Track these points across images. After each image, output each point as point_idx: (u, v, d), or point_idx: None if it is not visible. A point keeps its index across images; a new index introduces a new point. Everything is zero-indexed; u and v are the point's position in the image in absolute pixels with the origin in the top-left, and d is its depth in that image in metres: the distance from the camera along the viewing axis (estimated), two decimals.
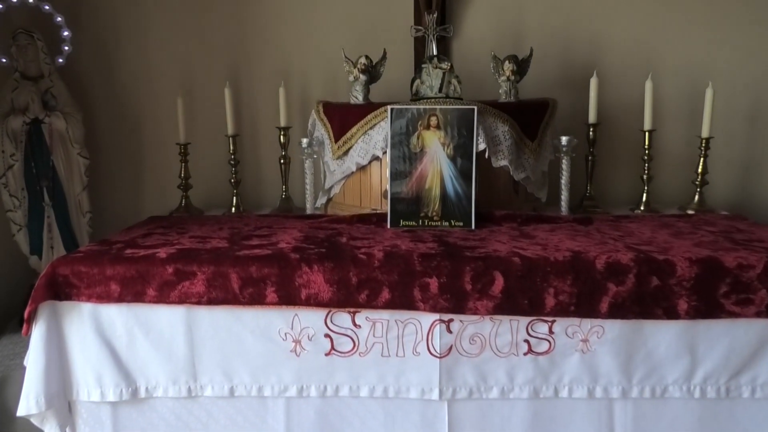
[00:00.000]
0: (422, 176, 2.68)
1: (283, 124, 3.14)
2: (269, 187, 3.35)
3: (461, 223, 2.66)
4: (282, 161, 3.19)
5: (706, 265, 2.12)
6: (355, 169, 2.84)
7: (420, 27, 3.07)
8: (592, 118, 3.03)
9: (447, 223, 2.67)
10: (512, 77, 2.89)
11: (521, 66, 2.92)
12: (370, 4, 3.28)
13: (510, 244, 2.33)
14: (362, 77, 2.89)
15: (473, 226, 2.64)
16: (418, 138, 2.66)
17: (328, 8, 3.30)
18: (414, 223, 2.68)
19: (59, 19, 3.13)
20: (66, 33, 3.15)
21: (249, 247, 2.31)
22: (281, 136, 3.16)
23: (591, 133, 3.05)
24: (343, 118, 2.87)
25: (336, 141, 2.89)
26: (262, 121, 3.36)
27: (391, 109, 2.67)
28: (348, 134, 2.84)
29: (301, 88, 3.36)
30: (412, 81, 2.87)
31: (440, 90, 2.83)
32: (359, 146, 2.80)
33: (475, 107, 2.64)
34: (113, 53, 3.37)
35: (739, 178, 3.32)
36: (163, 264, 2.17)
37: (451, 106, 2.65)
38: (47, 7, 3.10)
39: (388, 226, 2.67)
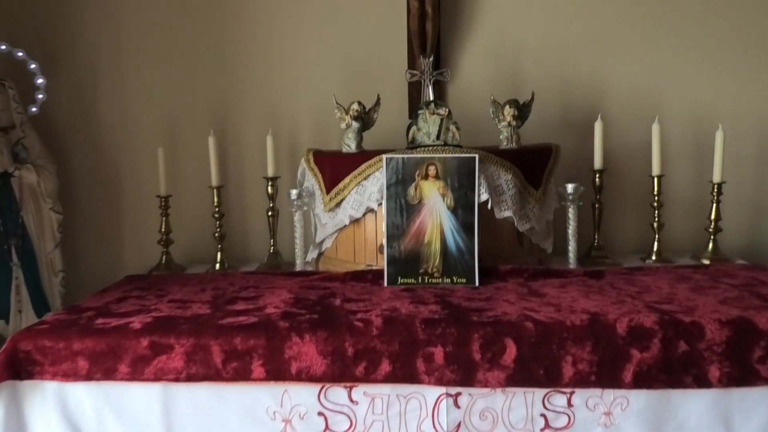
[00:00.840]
0: (421, 230, 2.49)
1: (270, 174, 2.95)
2: (257, 241, 3.15)
3: (464, 280, 2.46)
4: (270, 214, 3.00)
5: (737, 326, 1.93)
6: (348, 223, 2.65)
7: (415, 71, 2.92)
8: (597, 163, 2.86)
9: (449, 280, 2.47)
10: (513, 122, 2.73)
11: (522, 111, 2.76)
12: (363, 47, 3.13)
13: (519, 305, 2.13)
14: (355, 124, 2.72)
15: (477, 283, 2.45)
16: (415, 189, 2.48)
17: (318, 52, 3.15)
18: (413, 280, 2.48)
19: (33, 66, 2.96)
20: (40, 80, 2.97)
21: (233, 313, 2.10)
22: (269, 187, 2.97)
23: (597, 179, 2.88)
24: (335, 168, 2.69)
25: (327, 192, 2.70)
26: (248, 171, 3.18)
27: (387, 159, 2.49)
28: (340, 185, 2.65)
29: (291, 136, 3.17)
30: (408, 128, 2.70)
31: (438, 137, 2.66)
32: (352, 198, 2.62)
33: (476, 155, 2.47)
34: (91, 101, 3.20)
35: (750, 223, 3.16)
36: (138, 336, 1.95)
37: (450, 155, 2.48)
38: (20, 54, 2.93)
39: (385, 284, 2.47)
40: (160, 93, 3.18)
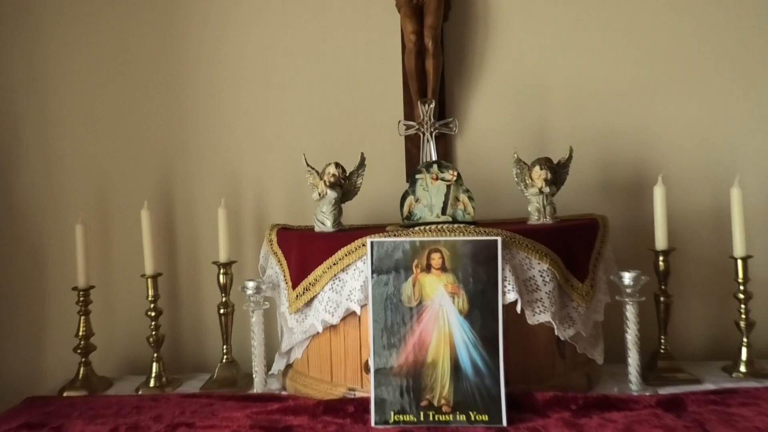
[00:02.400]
0: (422, 343, 1.75)
1: (223, 258, 2.23)
2: (215, 344, 2.40)
3: (485, 417, 1.71)
4: (222, 311, 2.26)
5: None
6: (321, 329, 1.92)
7: (412, 122, 2.23)
8: (660, 241, 2.13)
9: (463, 417, 1.72)
10: (546, 189, 2.01)
11: (558, 172, 2.05)
12: (347, 93, 2.46)
13: None
14: (330, 194, 2.01)
15: (504, 422, 1.69)
16: (413, 285, 1.76)
17: (292, 99, 2.48)
18: (412, 417, 1.72)
19: None
20: None
21: None
22: (220, 275, 2.25)
23: (661, 262, 2.14)
24: (304, 253, 1.97)
25: (294, 286, 1.98)
26: (201, 253, 2.46)
27: (372, 243, 1.77)
28: (311, 277, 1.93)
29: (257, 207, 2.48)
30: (403, 198, 1.99)
31: (444, 211, 1.95)
32: (326, 296, 1.89)
33: (499, 237, 1.75)
34: (8, 162, 2.52)
35: None
36: None
37: (462, 237, 1.76)
38: None
39: (372, 423, 1.72)
40: (91, 153, 2.50)
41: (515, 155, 2.09)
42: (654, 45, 2.39)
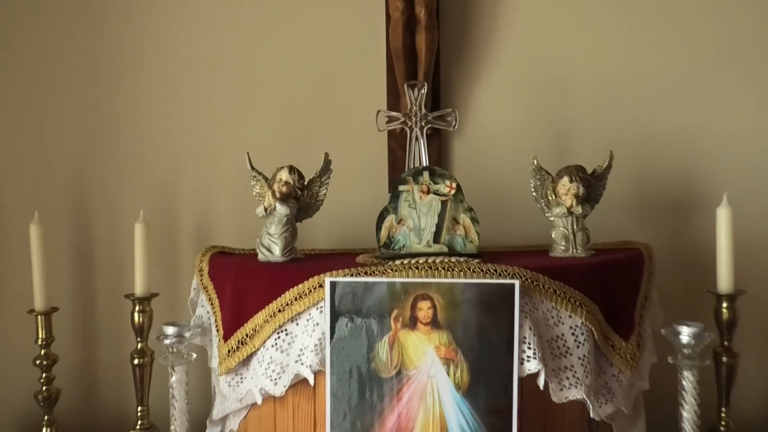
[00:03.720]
0: (402, 430, 1.21)
1: (140, 290, 1.67)
2: (129, 402, 1.82)
3: None
4: (136, 361, 1.69)
5: None
6: (261, 400, 1.36)
7: (395, 113, 1.68)
8: (724, 282, 1.59)
9: None
10: (577, 208, 1.47)
11: (593, 186, 1.51)
12: (315, 76, 1.92)
13: None
14: (281, 208, 1.46)
15: None
16: (392, 347, 1.22)
17: (241, 87, 1.93)
18: None
19: None
20: None
21: None
22: (136, 313, 1.68)
23: (725, 310, 1.60)
24: (240, 291, 1.42)
25: (226, 337, 1.42)
26: (124, 283, 1.88)
27: (333, 284, 1.22)
28: (248, 326, 1.37)
29: (198, 223, 1.93)
30: (381, 218, 1.43)
31: (437, 238, 1.39)
32: (268, 355, 1.33)
33: (517, 281, 1.21)
34: None
35: None
36: None
37: (463, 280, 1.22)
38: None
39: None
40: None
41: (534, 161, 1.55)
42: (707, 29, 1.87)
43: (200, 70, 1.92)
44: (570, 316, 1.29)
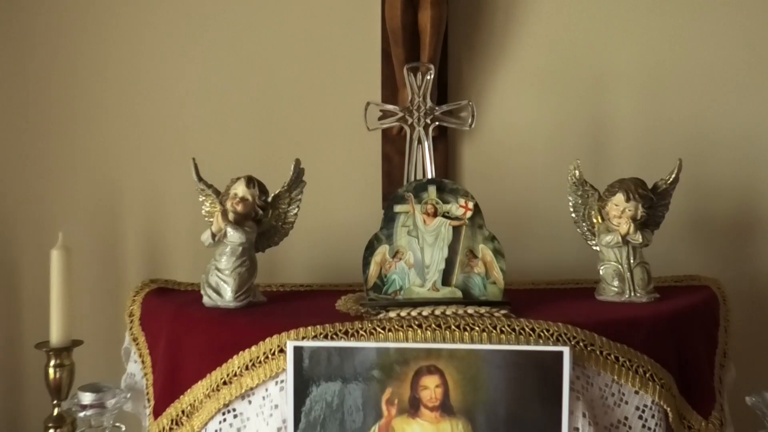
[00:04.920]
0: None
1: (56, 339, 1.28)
2: None
3: None
4: (50, 424, 1.30)
5: None
6: None
7: (391, 107, 1.29)
8: None
9: None
10: (636, 237, 1.09)
11: (654, 206, 1.14)
12: (293, 67, 1.59)
13: None
14: (234, 235, 1.07)
15: None
16: None
17: (202, 82, 1.58)
18: None
19: None
20: None
21: None
22: (50, 368, 1.29)
23: None
24: (175, 350, 1.03)
25: (156, 413, 1.03)
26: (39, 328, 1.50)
27: (297, 350, 0.84)
28: (185, 400, 0.99)
29: (147, 250, 1.57)
30: (370, 249, 1.04)
31: (446, 278, 1.00)
32: None
33: (566, 349, 0.82)
34: None
35: None
36: None
37: (487, 346, 0.83)
38: None
39: None
40: None
41: (576, 173, 1.18)
42: None
43: (155, 64, 1.57)
44: (637, 392, 0.92)
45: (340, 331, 0.88)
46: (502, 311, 0.94)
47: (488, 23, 1.56)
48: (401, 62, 1.46)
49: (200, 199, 1.18)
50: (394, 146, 1.48)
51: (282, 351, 0.88)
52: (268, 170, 1.24)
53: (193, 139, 1.55)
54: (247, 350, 0.92)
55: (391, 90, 1.53)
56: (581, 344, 0.87)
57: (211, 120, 1.56)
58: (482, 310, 0.94)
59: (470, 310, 0.93)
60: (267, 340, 0.90)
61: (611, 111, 1.55)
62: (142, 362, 1.13)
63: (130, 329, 1.17)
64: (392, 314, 0.93)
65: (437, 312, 0.93)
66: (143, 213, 1.57)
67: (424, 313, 0.92)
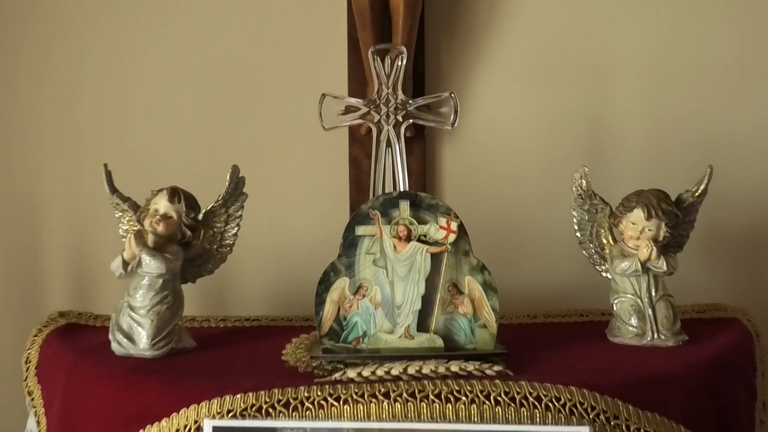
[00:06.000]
0: None
1: None
2: None
3: None
4: None
5: None
6: None
7: (354, 100, 1.06)
8: None
9: None
10: (659, 264, 0.88)
11: (680, 221, 0.93)
12: (245, 56, 1.38)
13: None
14: (151, 263, 0.84)
15: None
16: None
17: (142, 73, 1.36)
18: None
19: None
20: None
21: None
22: None
23: None
24: (69, 415, 0.80)
25: None
26: None
27: (217, 430, 0.61)
28: None
29: (69, 265, 1.36)
30: (322, 283, 0.81)
31: (422, 323, 0.78)
32: None
33: (587, 429, 0.60)
34: None
35: None
36: None
37: (478, 427, 0.61)
38: None
39: None
40: None
41: (581, 181, 0.97)
42: None
43: (87, 52, 1.35)
44: None
45: (278, 402, 0.65)
46: (496, 368, 0.72)
47: (471, 3, 1.39)
48: (370, 39, 1.25)
49: (116, 215, 0.96)
50: (362, 148, 1.31)
51: (199, 429, 0.65)
52: (210, 180, 1.02)
53: (121, 139, 1.33)
54: (156, 424, 0.69)
55: (359, 82, 1.36)
56: (602, 417, 0.66)
57: (142, 119, 1.34)
58: (470, 366, 0.72)
59: (454, 367, 0.72)
60: (182, 411, 0.68)
61: (614, 107, 1.40)
62: (37, 422, 0.90)
63: (25, 379, 0.94)
64: (352, 373, 0.71)
65: (411, 370, 0.71)
66: (68, 227, 1.36)
67: (394, 372, 0.70)
